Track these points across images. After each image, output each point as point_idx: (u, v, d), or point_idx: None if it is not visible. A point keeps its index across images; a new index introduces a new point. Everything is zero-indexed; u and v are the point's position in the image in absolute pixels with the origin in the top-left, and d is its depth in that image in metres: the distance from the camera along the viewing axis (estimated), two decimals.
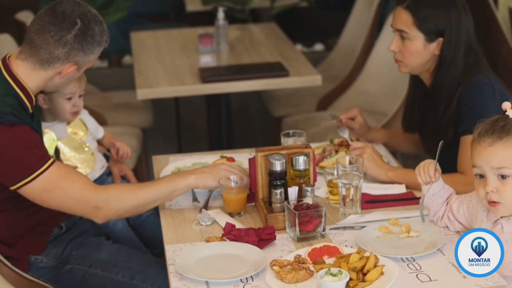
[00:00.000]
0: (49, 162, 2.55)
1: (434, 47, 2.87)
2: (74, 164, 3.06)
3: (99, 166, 3.15)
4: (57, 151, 3.04)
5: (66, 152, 3.06)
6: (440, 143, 2.48)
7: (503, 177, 2.26)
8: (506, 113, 2.29)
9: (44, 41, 2.58)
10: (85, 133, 3.13)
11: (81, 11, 2.60)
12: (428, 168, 2.48)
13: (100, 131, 3.23)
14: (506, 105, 2.31)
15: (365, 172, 2.82)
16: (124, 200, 2.65)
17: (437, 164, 2.48)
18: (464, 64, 2.86)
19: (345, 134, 3.10)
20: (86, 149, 3.11)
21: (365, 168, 2.81)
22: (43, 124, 2.97)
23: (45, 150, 2.60)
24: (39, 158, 2.55)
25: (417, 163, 2.52)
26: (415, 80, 3.05)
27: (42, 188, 2.55)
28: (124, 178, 3.24)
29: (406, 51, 2.90)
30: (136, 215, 2.86)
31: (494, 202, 2.28)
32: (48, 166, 2.55)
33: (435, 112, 2.91)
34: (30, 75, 2.63)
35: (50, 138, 3.02)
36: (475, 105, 2.79)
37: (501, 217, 2.32)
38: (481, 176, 2.30)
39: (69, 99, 2.98)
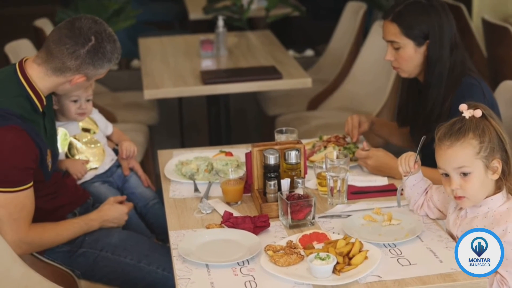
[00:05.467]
0: (18, 188, 2.52)
1: (424, 49, 2.87)
2: (86, 157, 3.05)
3: (109, 159, 3.14)
4: (70, 146, 3.03)
5: (79, 147, 3.05)
6: (422, 138, 2.47)
7: (464, 174, 2.27)
8: (463, 114, 2.28)
9: (59, 52, 2.56)
10: (96, 130, 3.11)
11: (97, 29, 2.58)
12: (409, 159, 2.48)
13: (109, 128, 3.22)
14: (462, 107, 2.30)
15: (379, 174, 2.84)
16: (44, 243, 2.68)
17: (418, 156, 2.47)
18: (450, 61, 2.85)
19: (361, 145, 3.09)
20: (98, 144, 3.10)
21: (377, 172, 2.84)
22: (57, 123, 2.96)
23: (26, 175, 2.54)
24: (16, 181, 2.52)
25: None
26: (409, 80, 3.03)
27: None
28: (132, 170, 3.23)
29: (400, 58, 2.89)
30: None
31: (460, 196, 2.29)
32: (15, 190, 2.51)
33: (425, 108, 2.90)
34: (42, 79, 2.61)
35: (63, 134, 3.00)
36: None
37: None
38: (447, 175, 2.30)
39: (75, 101, 2.97)
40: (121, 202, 2.95)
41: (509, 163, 2.28)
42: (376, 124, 3.25)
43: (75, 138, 3.04)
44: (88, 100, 3.01)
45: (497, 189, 2.31)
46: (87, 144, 3.07)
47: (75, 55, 2.56)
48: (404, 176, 2.51)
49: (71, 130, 3.04)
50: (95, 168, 3.08)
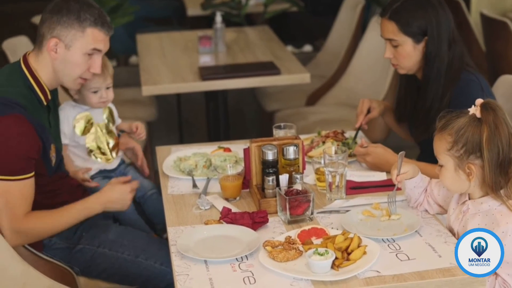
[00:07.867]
0: (19, 177, 2.52)
1: (422, 46, 2.86)
2: (105, 148, 3.03)
3: (120, 153, 3.14)
4: (92, 133, 3.00)
5: (100, 136, 3.02)
6: (399, 154, 2.46)
7: (440, 164, 2.31)
8: (469, 108, 2.27)
9: (39, 27, 2.61)
10: (114, 121, 3.11)
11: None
12: (392, 174, 2.50)
13: (118, 120, 3.21)
14: (478, 101, 2.28)
15: (378, 171, 2.84)
16: (42, 231, 2.66)
17: (400, 170, 2.47)
18: (448, 57, 2.84)
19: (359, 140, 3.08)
20: (115, 135, 3.09)
21: (376, 169, 2.83)
22: (82, 107, 2.97)
23: (26, 165, 2.54)
24: (16, 169, 2.51)
25: None
26: (407, 75, 3.02)
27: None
28: (129, 165, 3.22)
29: (399, 55, 2.88)
30: None
31: None
32: (15, 179, 2.51)
33: (424, 104, 2.89)
34: (39, 65, 2.63)
35: (86, 118, 2.98)
36: (464, 102, 2.75)
37: (469, 199, 2.32)
38: None
39: (95, 92, 2.95)
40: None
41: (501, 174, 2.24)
42: (387, 112, 3.22)
43: (99, 126, 3.02)
44: (108, 88, 2.99)
45: (485, 193, 2.29)
46: (108, 134, 3.05)
47: (43, 19, 2.60)
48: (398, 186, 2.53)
49: (95, 116, 3.02)
50: (110, 160, 3.06)
